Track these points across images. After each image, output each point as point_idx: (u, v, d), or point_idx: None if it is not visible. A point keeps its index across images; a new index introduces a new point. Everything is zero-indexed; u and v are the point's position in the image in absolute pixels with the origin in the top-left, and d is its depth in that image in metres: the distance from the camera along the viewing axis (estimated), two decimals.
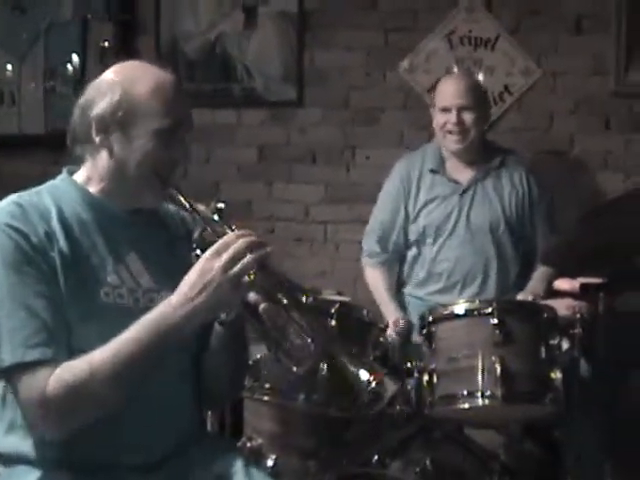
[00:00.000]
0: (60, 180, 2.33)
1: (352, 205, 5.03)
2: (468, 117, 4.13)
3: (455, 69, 4.83)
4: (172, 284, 2.11)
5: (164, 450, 2.27)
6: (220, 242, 2.06)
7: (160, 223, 2.42)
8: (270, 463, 3.36)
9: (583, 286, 3.46)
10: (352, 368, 2.07)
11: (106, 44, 5.02)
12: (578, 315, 3.38)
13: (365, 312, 3.44)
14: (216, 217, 2.21)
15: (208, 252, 2.06)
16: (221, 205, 2.22)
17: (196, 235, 2.23)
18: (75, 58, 5.06)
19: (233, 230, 2.15)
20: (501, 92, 4.84)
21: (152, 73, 2.26)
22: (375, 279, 4.40)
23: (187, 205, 2.27)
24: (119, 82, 2.22)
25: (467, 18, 4.83)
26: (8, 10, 5.25)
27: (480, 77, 4.82)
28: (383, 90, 4.97)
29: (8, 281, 2.08)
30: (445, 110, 4.15)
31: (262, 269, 2.07)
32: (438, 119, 4.20)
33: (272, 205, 5.16)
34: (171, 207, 2.41)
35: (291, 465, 3.51)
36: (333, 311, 3.24)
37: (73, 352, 2.08)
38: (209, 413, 3.62)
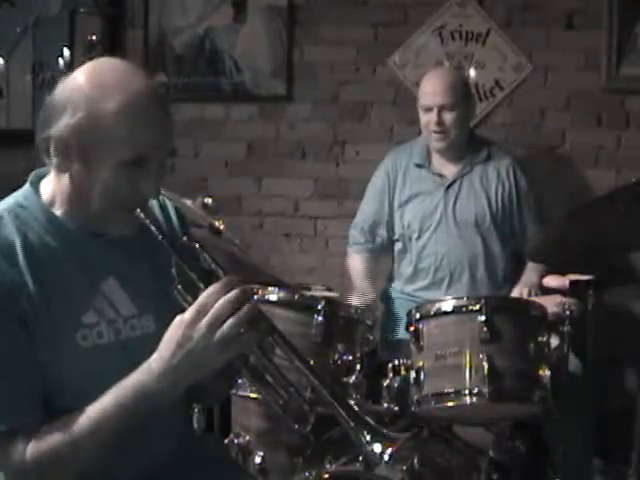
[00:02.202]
0: (24, 197, 2.09)
1: (342, 200, 5.01)
2: (449, 117, 4.11)
3: (446, 64, 4.79)
4: (155, 309, 2.02)
5: (158, 465, 2.21)
6: (198, 303, 1.89)
7: (141, 241, 2.14)
8: (258, 460, 3.36)
9: (572, 283, 3.47)
10: (364, 439, 1.90)
11: (94, 38, 4.98)
12: (567, 312, 3.36)
13: (353, 309, 3.43)
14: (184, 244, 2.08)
15: (186, 315, 1.89)
16: (208, 200, 2.15)
17: (173, 265, 2.03)
18: (67, 52, 5.02)
19: (202, 248, 2.02)
20: (492, 87, 4.81)
21: (124, 85, 1.96)
22: (355, 262, 4.43)
23: (154, 231, 2.07)
24: (84, 97, 1.94)
25: (458, 12, 4.80)
26: None
27: (471, 72, 4.80)
28: (373, 85, 4.94)
29: None
30: (427, 110, 4.14)
31: (250, 325, 1.91)
32: (422, 118, 4.19)
33: (261, 200, 5.14)
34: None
35: (278, 462, 3.50)
36: (320, 308, 3.22)
37: (52, 403, 1.98)
38: (196, 411, 3.60)
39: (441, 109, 4.09)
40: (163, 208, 2.28)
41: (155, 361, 1.91)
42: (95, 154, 1.96)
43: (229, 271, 2.02)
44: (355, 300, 4.04)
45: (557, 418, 3.45)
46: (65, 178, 2.03)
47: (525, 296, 3.88)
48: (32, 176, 2.13)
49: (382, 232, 4.36)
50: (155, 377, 1.90)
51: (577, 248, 3.39)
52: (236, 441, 3.43)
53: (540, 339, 3.10)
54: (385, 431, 1.93)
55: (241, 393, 3.27)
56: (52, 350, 1.97)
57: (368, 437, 1.90)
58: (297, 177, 5.08)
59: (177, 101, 5.11)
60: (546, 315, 3.18)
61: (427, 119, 4.14)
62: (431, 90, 4.14)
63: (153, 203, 2.20)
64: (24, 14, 5.19)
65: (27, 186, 2.12)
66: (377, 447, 1.88)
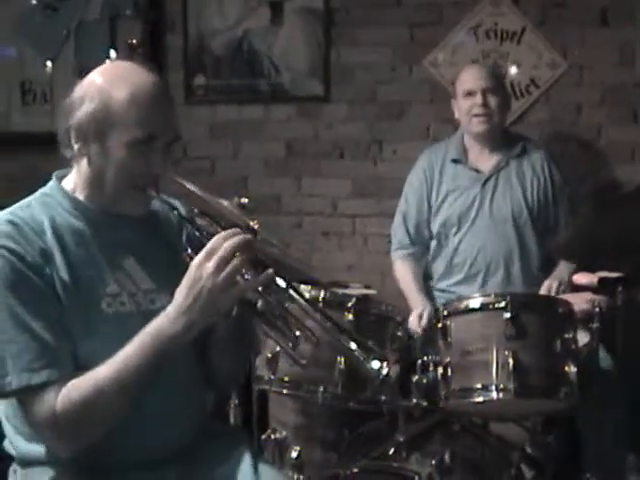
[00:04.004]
0: (49, 188, 2.31)
1: (380, 199, 5.04)
2: (492, 100, 4.14)
3: (481, 62, 4.80)
4: (171, 283, 2.11)
5: (174, 445, 2.30)
6: (207, 247, 2.04)
7: (154, 222, 2.41)
8: (294, 455, 3.41)
9: (602, 280, 3.47)
10: (362, 358, 2.06)
11: (134, 42, 5.06)
12: (597, 309, 3.38)
13: (384, 306, 3.47)
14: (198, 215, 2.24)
15: (196, 259, 2.05)
16: (245, 201, 2.21)
17: (184, 234, 2.26)
18: (113, 54, 5.10)
19: (221, 226, 2.15)
20: (528, 85, 4.82)
21: (132, 78, 2.21)
22: (404, 272, 4.38)
23: (168, 205, 2.32)
24: (97, 89, 2.19)
25: (493, 11, 4.82)
26: (40, 9, 5.33)
27: (508, 70, 4.82)
28: (409, 84, 4.97)
29: (7, 304, 2.08)
30: (470, 94, 4.16)
31: (253, 267, 2.07)
32: (463, 104, 4.20)
33: (300, 200, 5.19)
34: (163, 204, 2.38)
35: (314, 457, 3.56)
36: (350, 305, 3.27)
37: (80, 365, 2.11)
38: (232, 405, 3.67)
39: (485, 92, 4.13)
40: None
41: (171, 305, 2.08)
42: (109, 136, 2.18)
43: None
44: (413, 322, 4.00)
45: (589, 414, 3.48)
46: (84, 164, 2.23)
47: (553, 290, 3.87)
48: (56, 174, 2.34)
49: (426, 232, 4.36)
50: (171, 319, 2.06)
51: (607, 245, 3.40)
52: (273, 436, 3.49)
53: (566, 336, 3.13)
54: (381, 351, 2.11)
55: (272, 389, 3.33)
56: (79, 318, 2.15)
57: (367, 356, 2.06)
58: (335, 176, 5.12)
59: (216, 103, 5.21)
60: (572, 312, 3.21)
61: (470, 103, 4.16)
62: (473, 76, 4.19)
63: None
64: (67, 19, 5.28)
65: (52, 181, 2.33)
66: (376, 364, 2.04)
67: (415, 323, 3.89)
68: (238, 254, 2.03)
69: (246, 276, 2.08)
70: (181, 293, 2.06)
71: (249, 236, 2.07)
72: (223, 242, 2.03)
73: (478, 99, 4.13)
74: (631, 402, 3.60)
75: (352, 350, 2.08)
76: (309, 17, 5.04)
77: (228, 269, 2.02)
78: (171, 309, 2.07)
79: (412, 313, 3.99)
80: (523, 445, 3.59)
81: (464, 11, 4.86)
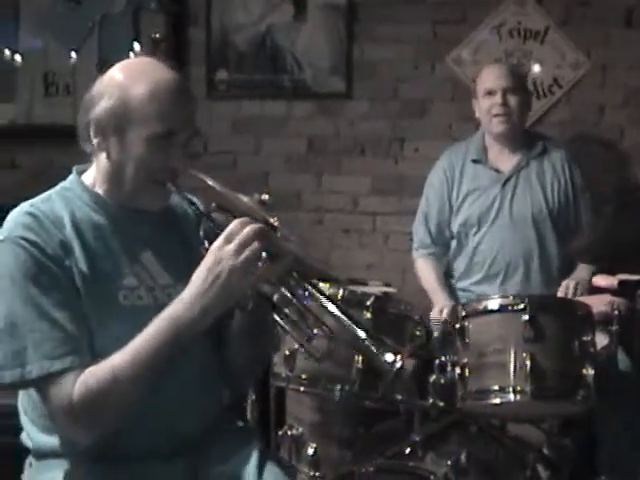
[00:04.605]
0: (69, 182, 2.34)
1: (400, 197, 5.04)
2: (513, 100, 4.14)
3: (504, 61, 4.80)
4: (189, 278, 2.11)
5: (186, 438, 2.31)
6: (226, 232, 2.06)
7: (171, 217, 2.43)
8: (310, 451, 3.42)
9: (621, 283, 3.46)
10: (375, 351, 2.08)
11: (157, 35, 5.07)
12: (616, 311, 3.37)
13: (403, 305, 3.47)
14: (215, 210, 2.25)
15: (215, 243, 2.07)
16: (265, 197, 2.22)
17: (202, 229, 2.25)
18: (137, 47, 5.11)
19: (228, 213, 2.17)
20: (550, 85, 4.82)
21: (152, 74, 2.22)
22: (426, 270, 4.40)
23: (187, 200, 2.34)
24: (117, 84, 2.20)
25: (516, 10, 4.81)
26: (64, 1, 5.34)
27: (532, 69, 4.81)
28: (431, 82, 4.97)
29: (28, 294, 2.10)
30: (490, 93, 4.17)
31: (272, 257, 2.08)
32: (483, 104, 4.21)
33: (321, 196, 5.18)
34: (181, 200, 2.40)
35: (330, 454, 3.57)
36: (369, 304, 3.28)
37: (96, 356, 2.11)
38: (249, 402, 3.69)
39: (505, 92, 4.13)
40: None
41: (187, 289, 2.09)
42: (128, 131, 2.20)
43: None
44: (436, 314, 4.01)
45: (605, 416, 3.47)
46: (103, 159, 2.25)
47: (571, 290, 3.89)
48: (76, 168, 2.36)
49: (447, 232, 4.37)
50: (186, 304, 2.07)
51: (627, 246, 3.39)
52: (290, 433, 3.50)
53: (584, 338, 3.12)
54: (394, 344, 2.14)
55: (290, 386, 3.34)
56: (96, 310, 2.17)
57: (381, 349, 2.08)
58: (356, 173, 5.12)
59: (239, 98, 5.21)
60: (591, 314, 3.20)
61: (490, 103, 4.16)
62: (494, 75, 4.19)
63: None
64: (90, 12, 5.28)
65: (72, 175, 2.36)
66: (389, 357, 2.06)
67: (436, 315, 3.91)
68: (257, 240, 2.04)
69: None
70: (199, 276, 2.07)
71: (265, 226, 2.08)
72: (242, 227, 2.04)
73: (498, 99, 4.13)
74: None
75: (365, 342, 2.10)
76: (332, 13, 5.03)
77: (247, 251, 2.02)
78: (187, 294, 2.08)
79: (434, 308, 4.01)
80: (540, 446, 3.58)
81: (488, 10, 4.86)
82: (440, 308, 3.98)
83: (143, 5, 5.13)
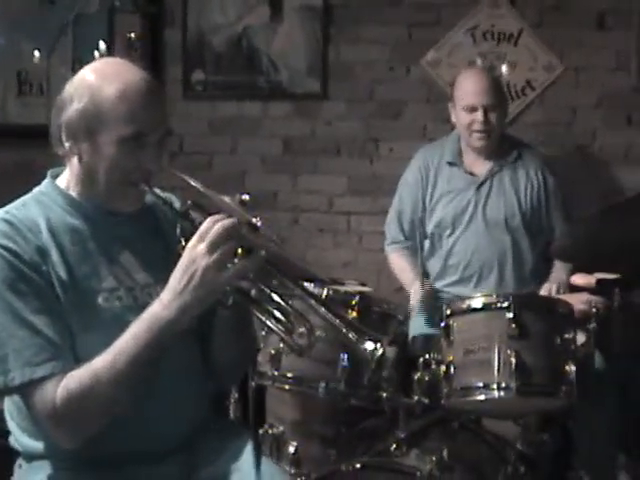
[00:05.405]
0: (44, 186, 2.34)
1: (375, 197, 5.07)
2: (494, 116, 4.13)
3: (479, 63, 4.85)
4: (168, 277, 2.12)
5: (175, 439, 2.33)
6: (199, 230, 2.07)
7: (150, 217, 2.43)
8: (291, 450, 3.42)
9: (599, 281, 3.51)
10: (357, 341, 2.11)
11: (132, 36, 5.06)
12: (594, 310, 3.43)
13: (386, 305, 3.49)
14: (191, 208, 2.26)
15: (190, 242, 2.08)
16: (246, 197, 2.23)
17: (178, 228, 2.26)
18: (102, 46, 5.11)
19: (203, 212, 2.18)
20: (523, 87, 4.87)
21: (122, 76, 2.22)
22: (400, 262, 4.44)
23: (161, 200, 2.35)
24: (88, 86, 2.20)
25: (490, 13, 4.86)
26: (37, 1, 5.32)
27: (503, 72, 4.86)
28: (406, 84, 5.01)
29: (6, 301, 2.11)
30: (471, 110, 4.14)
31: (247, 251, 2.10)
32: (463, 118, 4.18)
33: (297, 196, 5.22)
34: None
35: (312, 453, 3.58)
36: (354, 303, 3.30)
37: (79, 360, 2.13)
38: (232, 401, 3.70)
39: (486, 110, 4.11)
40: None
41: (165, 290, 2.10)
42: (99, 133, 2.19)
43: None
44: (415, 294, 3.99)
45: (582, 413, 3.52)
46: (76, 162, 2.26)
47: (553, 293, 3.94)
48: (50, 172, 2.36)
49: (417, 228, 4.36)
50: (164, 304, 2.09)
51: (607, 247, 3.44)
52: (270, 431, 3.50)
53: (567, 336, 3.17)
54: (373, 333, 2.16)
55: (275, 385, 3.35)
56: (77, 314, 2.18)
57: (359, 337, 2.13)
58: (332, 174, 5.16)
59: (215, 98, 5.23)
60: (573, 312, 3.25)
61: (471, 118, 4.14)
62: (475, 90, 4.15)
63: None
64: (64, 11, 5.26)
65: (46, 179, 2.35)
66: (369, 344, 2.10)
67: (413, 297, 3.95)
68: (230, 237, 2.06)
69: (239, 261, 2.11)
70: (175, 276, 2.08)
71: (236, 222, 2.09)
72: (214, 225, 2.06)
73: (479, 116, 4.12)
74: (623, 402, 3.65)
75: (344, 331, 2.13)
76: (308, 15, 5.07)
77: (220, 249, 2.04)
78: (165, 294, 2.09)
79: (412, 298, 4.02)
80: (515, 442, 3.62)
81: (462, 12, 4.91)
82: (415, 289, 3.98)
83: (118, 5, 5.12)
